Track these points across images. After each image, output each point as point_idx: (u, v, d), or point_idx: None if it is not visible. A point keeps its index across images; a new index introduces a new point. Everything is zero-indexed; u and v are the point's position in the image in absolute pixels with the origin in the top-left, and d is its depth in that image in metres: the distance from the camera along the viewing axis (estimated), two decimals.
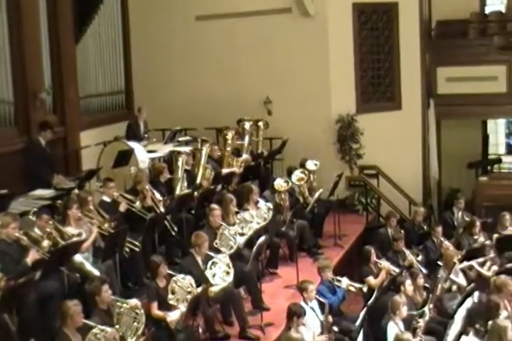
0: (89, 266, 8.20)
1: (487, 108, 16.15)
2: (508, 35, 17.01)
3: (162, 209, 10.12)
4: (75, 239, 8.21)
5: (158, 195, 10.34)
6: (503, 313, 8.84)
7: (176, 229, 9.98)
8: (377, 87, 15.60)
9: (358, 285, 9.60)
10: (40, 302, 7.48)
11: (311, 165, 12.71)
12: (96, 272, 8.13)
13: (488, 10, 18.15)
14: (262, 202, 10.84)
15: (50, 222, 8.32)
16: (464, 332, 8.66)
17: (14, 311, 7.05)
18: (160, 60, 14.99)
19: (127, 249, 9.00)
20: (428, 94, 15.99)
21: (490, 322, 8.33)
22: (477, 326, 8.89)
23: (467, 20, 17.47)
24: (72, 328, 6.88)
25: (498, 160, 17.78)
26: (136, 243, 9.15)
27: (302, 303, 8.57)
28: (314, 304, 8.83)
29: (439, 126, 16.63)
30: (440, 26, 17.34)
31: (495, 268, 10.97)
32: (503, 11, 17.88)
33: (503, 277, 9.65)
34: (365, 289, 9.57)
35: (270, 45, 14.61)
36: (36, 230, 8.20)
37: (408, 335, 7.97)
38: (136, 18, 14.98)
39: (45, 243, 8.00)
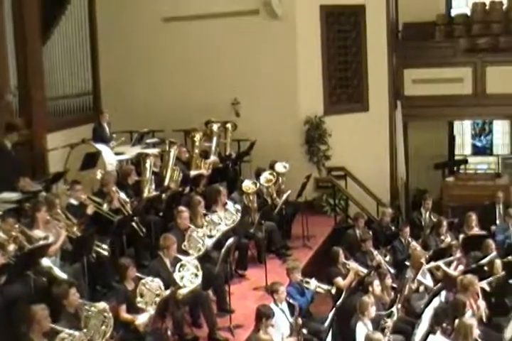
0: (57, 271, 8.12)
1: (453, 109, 16.34)
2: (474, 37, 17.21)
3: (129, 211, 10.05)
4: (41, 242, 8.15)
5: (125, 197, 10.29)
6: (469, 312, 8.99)
7: (144, 231, 9.94)
8: (344, 88, 15.66)
9: (326, 286, 9.64)
10: (5, 307, 7.42)
11: (280, 167, 12.71)
12: (63, 276, 8.06)
13: (454, 12, 18.35)
14: (230, 204, 10.84)
15: (16, 226, 8.22)
16: (431, 331, 8.69)
17: None
18: (128, 61, 14.94)
19: (95, 252, 8.94)
20: (395, 96, 16.11)
21: (456, 321, 8.45)
22: (444, 325, 9.03)
23: (433, 23, 17.68)
24: (38, 333, 6.82)
25: (465, 161, 17.99)
26: (105, 246, 9.08)
27: (272, 305, 8.58)
28: (284, 306, 8.83)
29: (406, 128, 16.77)
30: (407, 28, 17.52)
31: (461, 267, 11.10)
32: (469, 13, 18.10)
33: (469, 276, 9.80)
34: (333, 291, 9.60)
35: (238, 46, 14.60)
36: (1, 234, 8.09)
37: (379, 335, 7.99)
38: (103, 20, 14.91)
39: (11, 247, 7.91)
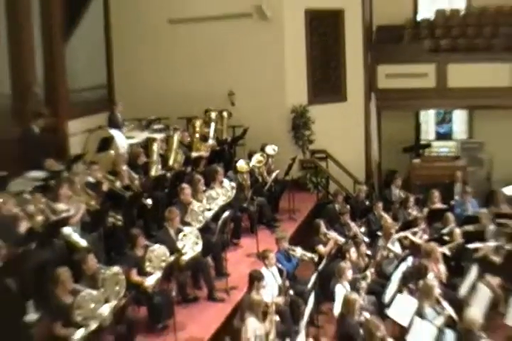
0: (76, 237, 8.11)
1: (419, 101, 16.32)
2: (437, 38, 17.20)
3: (139, 188, 10.00)
4: (64, 214, 8.14)
5: (135, 175, 10.25)
6: (431, 274, 9.05)
7: (151, 204, 9.89)
8: (326, 82, 15.58)
9: (309, 254, 9.55)
10: (36, 269, 7.42)
11: (270, 149, 12.66)
12: (83, 242, 8.05)
13: (419, 17, 18.32)
14: (226, 182, 10.80)
15: (43, 200, 8.22)
16: (399, 291, 8.77)
17: (15, 276, 6.99)
18: (138, 58, 14.76)
19: (111, 223, 8.94)
20: (370, 89, 16.06)
21: (420, 282, 8.50)
22: (410, 286, 9.07)
23: (402, 26, 17.64)
24: (64, 291, 6.86)
25: (429, 145, 17.94)
26: (119, 217, 9.07)
27: (263, 269, 8.57)
28: (274, 270, 8.83)
29: (379, 116, 16.76)
30: (380, 30, 17.46)
31: (425, 237, 11.12)
32: (432, 18, 18.10)
33: (431, 244, 9.93)
34: (316, 259, 9.52)
35: (234, 45, 14.49)
36: (31, 207, 8.07)
37: (355, 295, 8.01)
38: (117, 21, 14.70)
39: (39, 218, 7.89)
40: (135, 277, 7.90)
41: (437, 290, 8.38)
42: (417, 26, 17.88)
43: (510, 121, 17.02)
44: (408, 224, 11.36)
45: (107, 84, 14.67)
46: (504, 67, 15.78)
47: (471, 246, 10.39)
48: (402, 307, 8.24)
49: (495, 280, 9.99)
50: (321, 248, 10.16)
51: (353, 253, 9.55)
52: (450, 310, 8.15)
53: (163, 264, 7.94)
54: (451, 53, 16.54)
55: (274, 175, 12.15)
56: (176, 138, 11.62)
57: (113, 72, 14.81)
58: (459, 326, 7.85)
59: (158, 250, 8.04)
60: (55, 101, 12.23)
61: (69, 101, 12.71)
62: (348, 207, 11.69)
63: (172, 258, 8.13)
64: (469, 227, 11.32)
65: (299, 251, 9.52)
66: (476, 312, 7.61)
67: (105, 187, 9.58)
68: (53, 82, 12.22)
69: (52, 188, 8.85)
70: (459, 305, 8.64)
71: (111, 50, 14.81)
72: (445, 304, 8.25)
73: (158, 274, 7.85)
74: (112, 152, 11.20)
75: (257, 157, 12.23)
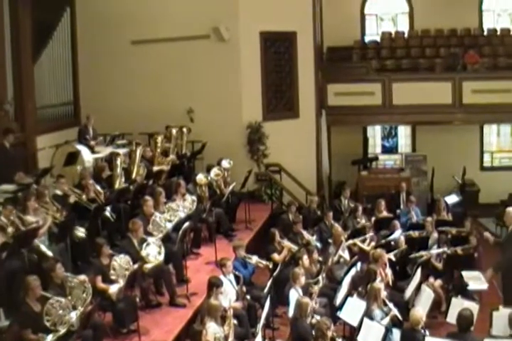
0: (44, 248, 8.12)
1: (367, 117, 16.53)
2: (383, 59, 17.57)
3: (103, 201, 9.98)
4: (33, 225, 8.13)
5: (99, 189, 10.24)
6: (378, 278, 9.18)
7: (114, 217, 9.88)
8: (279, 99, 15.65)
9: (264, 262, 9.61)
10: (6, 277, 7.42)
11: (225, 163, 12.70)
12: (49, 253, 8.05)
13: (367, 39, 18.69)
14: (188, 195, 10.79)
15: (14, 212, 8.20)
16: (349, 294, 8.90)
17: None
18: (102, 76, 14.71)
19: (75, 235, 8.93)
20: (320, 106, 16.18)
21: (369, 286, 8.65)
22: (359, 289, 9.22)
23: (351, 47, 17.93)
24: (33, 299, 6.86)
25: (376, 158, 18.20)
26: (82, 229, 9.02)
27: (221, 276, 8.60)
28: (231, 277, 8.87)
29: (330, 131, 16.90)
30: (330, 51, 17.76)
31: (373, 243, 11.25)
32: (379, 40, 18.49)
33: (379, 250, 10.03)
34: (270, 266, 9.57)
35: (193, 64, 14.51)
36: (2, 218, 8.08)
37: (307, 299, 8.16)
38: (83, 42, 14.69)
39: (10, 229, 7.89)
40: (100, 284, 7.90)
41: (384, 293, 8.56)
42: (364, 47, 18.24)
43: (450, 135, 17.49)
44: (357, 232, 11.48)
45: (73, 101, 14.66)
46: (445, 86, 16.10)
47: (415, 254, 10.55)
48: (352, 310, 8.38)
49: (437, 282, 10.28)
50: (275, 255, 10.21)
51: (305, 260, 9.60)
52: (396, 311, 8.32)
53: (127, 272, 7.94)
54: (396, 73, 16.88)
55: (230, 187, 12.21)
56: (138, 152, 11.62)
57: (79, 89, 14.79)
58: (405, 325, 8.07)
59: (122, 259, 8.05)
60: (24, 117, 12.22)
61: (37, 118, 12.71)
62: (301, 216, 11.76)
63: (135, 266, 8.15)
64: (415, 233, 11.46)
65: (254, 259, 9.56)
66: (420, 311, 7.79)
67: (72, 199, 9.56)
68: (22, 99, 12.21)
69: (21, 200, 8.81)
70: (405, 306, 8.88)
71: (77, 69, 14.80)
72: (391, 305, 8.43)
73: (121, 283, 7.86)
74: (79, 166, 11.18)
75: (214, 170, 12.25)
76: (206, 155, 13.85)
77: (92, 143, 12.73)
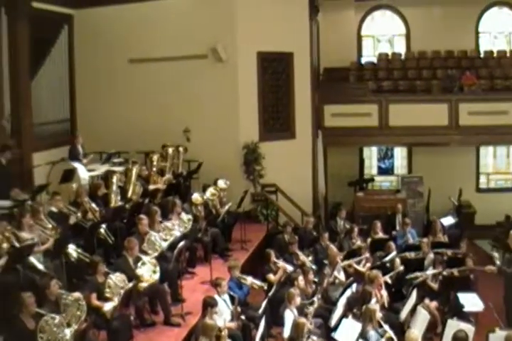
0: (38, 265, 8.12)
1: (363, 138, 16.63)
2: (379, 80, 17.72)
3: (99, 219, 9.98)
4: (28, 242, 8.13)
5: (95, 206, 10.24)
6: (374, 299, 9.18)
7: (111, 236, 9.87)
8: (276, 120, 15.74)
9: (259, 283, 9.61)
10: (1, 293, 7.42)
11: (221, 183, 12.79)
12: (44, 269, 8.05)
13: (363, 60, 18.87)
14: (183, 215, 10.84)
15: (9, 228, 8.20)
16: (344, 315, 8.92)
17: None
18: (99, 94, 14.84)
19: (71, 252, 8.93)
20: (317, 127, 16.29)
21: (364, 307, 8.66)
22: (355, 310, 9.21)
23: (348, 68, 18.07)
24: (27, 315, 6.85)
25: (372, 180, 18.27)
26: (73, 246, 8.95)
27: (216, 296, 8.60)
28: (226, 297, 8.87)
29: (326, 152, 16.98)
30: (327, 72, 17.89)
31: (368, 265, 11.28)
32: (375, 62, 18.66)
33: (374, 271, 10.00)
34: (265, 287, 9.58)
35: (190, 84, 14.61)
36: None
37: (303, 320, 8.12)
38: (80, 60, 14.84)
39: (4, 245, 7.89)
40: (95, 301, 7.90)
41: (379, 314, 8.56)
42: (361, 69, 18.41)
43: (446, 157, 17.59)
44: (352, 253, 11.50)
45: (70, 119, 14.77)
46: (441, 108, 16.27)
47: (411, 275, 10.58)
48: (347, 331, 8.35)
49: (433, 304, 10.31)
50: (271, 276, 10.21)
51: (301, 280, 9.60)
52: (391, 333, 8.32)
53: (122, 291, 7.95)
54: (393, 94, 17.02)
55: (226, 207, 12.26)
56: (134, 171, 11.67)
57: (76, 107, 14.90)
58: None
59: (118, 277, 8.06)
60: (20, 134, 12.30)
61: (34, 135, 12.78)
62: (297, 237, 11.75)
63: (130, 284, 8.17)
64: (411, 254, 11.50)
65: (249, 280, 9.57)
66: (416, 333, 7.80)
67: (72, 221, 9.56)
68: (19, 116, 12.30)
69: (16, 217, 8.83)
70: (400, 328, 8.89)
71: (74, 87, 14.93)
72: (386, 327, 8.41)
73: (116, 301, 7.86)
74: (74, 183, 11.23)
75: (210, 190, 12.31)
76: (202, 175, 13.88)
77: (85, 161, 12.80)
